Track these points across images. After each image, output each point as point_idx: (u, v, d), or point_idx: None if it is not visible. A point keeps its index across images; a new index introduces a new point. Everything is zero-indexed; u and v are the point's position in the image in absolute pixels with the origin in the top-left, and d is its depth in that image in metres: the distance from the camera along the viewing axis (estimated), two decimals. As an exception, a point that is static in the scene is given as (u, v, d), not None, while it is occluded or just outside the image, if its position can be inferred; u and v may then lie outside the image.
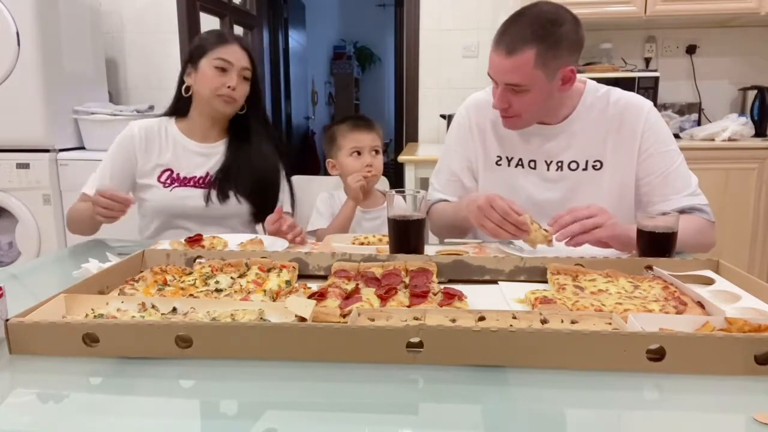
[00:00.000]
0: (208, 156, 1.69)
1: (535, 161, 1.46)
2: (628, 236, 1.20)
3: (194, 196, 1.64)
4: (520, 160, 1.47)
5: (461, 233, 1.55)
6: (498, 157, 1.50)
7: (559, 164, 1.45)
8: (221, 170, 1.67)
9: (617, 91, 1.45)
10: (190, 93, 1.67)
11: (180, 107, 1.71)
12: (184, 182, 1.66)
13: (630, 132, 1.41)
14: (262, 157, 1.70)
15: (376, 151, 1.77)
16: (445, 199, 1.55)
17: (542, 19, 1.27)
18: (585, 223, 1.17)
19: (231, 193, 1.65)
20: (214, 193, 1.64)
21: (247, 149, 1.69)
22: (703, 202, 1.39)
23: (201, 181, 1.66)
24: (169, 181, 1.65)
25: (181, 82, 1.69)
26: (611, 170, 1.42)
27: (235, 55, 1.63)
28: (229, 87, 1.61)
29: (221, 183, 1.65)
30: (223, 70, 1.61)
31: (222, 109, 1.64)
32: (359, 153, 1.76)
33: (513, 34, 1.28)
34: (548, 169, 1.46)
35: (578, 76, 1.38)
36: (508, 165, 1.49)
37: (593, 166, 1.43)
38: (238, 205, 1.66)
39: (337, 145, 1.80)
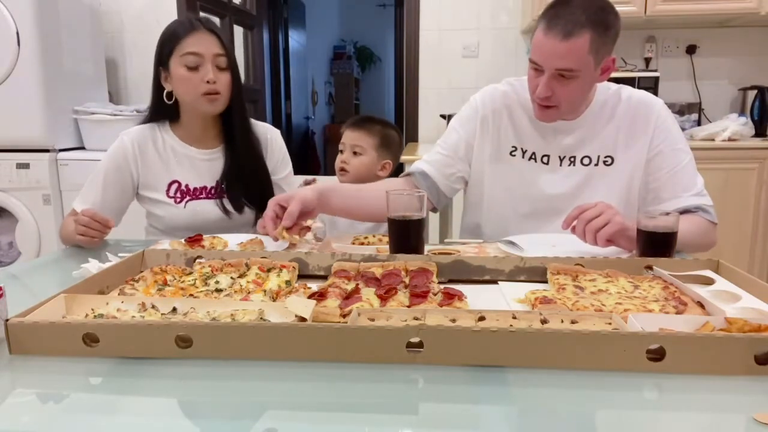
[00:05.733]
0: (212, 162, 1.61)
1: (548, 156, 1.47)
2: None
3: (210, 210, 1.58)
4: (534, 154, 1.48)
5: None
6: (513, 147, 1.49)
7: (572, 159, 1.46)
8: (227, 176, 1.59)
9: (628, 89, 1.47)
10: (173, 99, 1.54)
11: (164, 112, 1.59)
12: (195, 194, 1.59)
13: (642, 129, 1.42)
14: (257, 158, 1.63)
15: (356, 152, 1.78)
16: (424, 171, 1.50)
17: (594, 4, 1.26)
18: (592, 225, 1.17)
19: (243, 201, 1.59)
20: (228, 203, 1.58)
21: (244, 152, 1.61)
22: (709, 203, 1.41)
23: (212, 192, 1.60)
24: (179, 195, 1.58)
25: (158, 87, 1.56)
26: (621, 166, 1.44)
27: (203, 43, 1.48)
28: (208, 82, 1.46)
29: (230, 191, 1.58)
30: (194, 66, 1.47)
31: (209, 109, 1.52)
32: (342, 151, 1.82)
33: (567, 18, 1.24)
34: (561, 165, 1.46)
35: None
36: (522, 157, 1.49)
37: (604, 162, 1.45)
38: (250, 213, 1.62)
39: None
